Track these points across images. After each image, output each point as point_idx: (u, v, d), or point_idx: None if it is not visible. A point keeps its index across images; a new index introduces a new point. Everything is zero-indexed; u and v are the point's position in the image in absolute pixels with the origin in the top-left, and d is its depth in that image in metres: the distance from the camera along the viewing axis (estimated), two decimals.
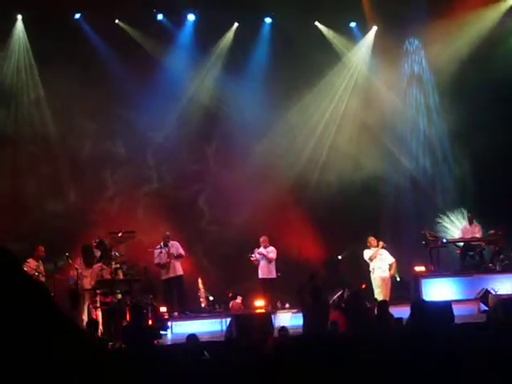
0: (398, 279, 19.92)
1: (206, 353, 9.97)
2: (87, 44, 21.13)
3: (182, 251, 19.62)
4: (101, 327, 15.95)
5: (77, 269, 17.06)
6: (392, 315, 14.07)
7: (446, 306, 14.72)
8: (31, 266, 16.95)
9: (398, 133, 23.37)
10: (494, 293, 18.12)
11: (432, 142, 23.55)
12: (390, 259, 19.20)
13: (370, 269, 19.13)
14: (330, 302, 16.87)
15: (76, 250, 18.17)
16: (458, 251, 20.81)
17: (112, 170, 21.87)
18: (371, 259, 19.10)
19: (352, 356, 6.61)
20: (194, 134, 22.27)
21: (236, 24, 22.62)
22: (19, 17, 21.20)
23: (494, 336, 8.54)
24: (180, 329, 17.93)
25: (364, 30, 23.39)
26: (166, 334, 17.42)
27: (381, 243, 19.30)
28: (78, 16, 21.34)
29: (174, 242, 19.68)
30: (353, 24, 23.36)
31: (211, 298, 20.11)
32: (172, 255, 19.40)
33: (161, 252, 19.39)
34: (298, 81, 22.13)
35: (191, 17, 22.31)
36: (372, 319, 14.55)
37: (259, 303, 19.10)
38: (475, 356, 6.52)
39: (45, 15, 20.37)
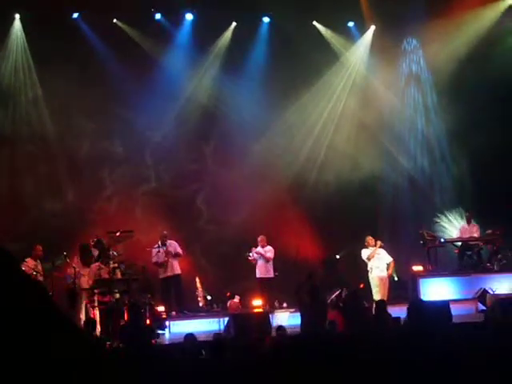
0: (396, 279, 19.92)
1: (203, 352, 9.96)
2: (85, 43, 21.14)
3: (179, 250, 19.63)
4: (98, 326, 15.94)
5: (74, 268, 17.08)
6: (390, 315, 14.07)
7: (444, 306, 14.76)
8: (29, 265, 16.93)
9: (395, 132, 23.37)
10: (491, 292, 18.13)
11: (430, 141, 23.55)
12: (388, 259, 19.19)
13: (368, 268, 19.12)
14: (328, 301, 16.88)
15: (74, 249, 18.18)
16: (456, 251, 20.82)
17: (110, 169, 21.86)
18: (369, 259, 19.09)
19: (350, 356, 6.60)
20: (192, 133, 22.28)
21: (234, 23, 22.62)
22: (17, 16, 21.19)
23: (491, 335, 8.54)
24: (178, 328, 17.93)
25: (362, 30, 23.40)
26: (163, 334, 17.42)
27: (379, 243, 19.28)
28: (75, 15, 21.35)
29: (172, 242, 19.69)
30: (351, 23, 23.38)
31: (209, 298, 20.11)
32: (170, 254, 19.40)
33: (159, 251, 19.38)
34: (296, 80, 22.14)
35: (189, 16, 22.31)
36: (370, 319, 14.56)
37: (257, 303, 19.10)
38: (473, 356, 6.52)
39: (43, 15, 20.37)
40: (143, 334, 14.05)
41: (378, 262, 19.08)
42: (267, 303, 19.28)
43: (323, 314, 15.03)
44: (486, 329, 10.87)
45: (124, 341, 13.73)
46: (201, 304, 19.99)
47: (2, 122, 21.15)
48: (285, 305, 19.43)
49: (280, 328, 13.43)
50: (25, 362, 4.71)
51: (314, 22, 22.90)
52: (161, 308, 18.40)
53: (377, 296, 18.37)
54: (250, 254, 19.87)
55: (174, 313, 19.12)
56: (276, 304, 19.56)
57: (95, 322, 15.84)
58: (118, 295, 16.48)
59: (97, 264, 17.16)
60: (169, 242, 19.59)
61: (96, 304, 16.44)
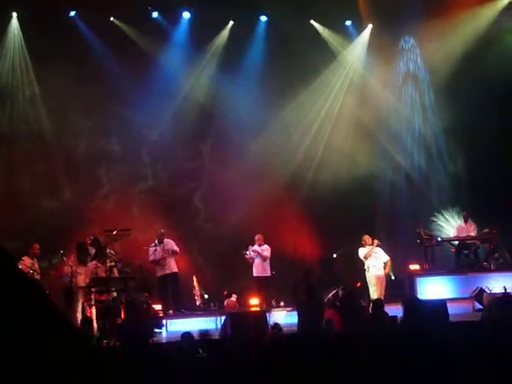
0: (393, 277, 19.91)
1: (200, 351, 9.96)
2: (82, 42, 21.13)
3: (176, 248, 19.63)
4: (95, 325, 15.94)
5: (71, 266, 17.07)
6: (387, 314, 14.09)
7: (441, 305, 14.77)
8: (26, 263, 16.92)
9: (393, 131, 23.40)
10: (488, 291, 18.13)
11: (427, 139, 23.58)
12: (385, 257, 19.19)
13: (365, 267, 19.11)
14: (325, 300, 16.88)
15: (71, 247, 18.18)
16: (453, 250, 20.83)
17: (107, 167, 21.85)
18: (366, 257, 19.08)
19: (347, 354, 6.61)
20: (190, 131, 22.28)
21: (231, 22, 22.62)
22: (14, 14, 21.17)
23: (488, 334, 8.54)
24: (175, 327, 17.91)
25: (359, 28, 23.42)
26: (160, 332, 17.40)
27: (376, 241, 19.27)
28: (73, 14, 21.34)
29: (168, 240, 19.69)
30: (348, 22, 23.39)
31: (206, 296, 20.10)
32: (167, 251, 19.40)
33: (155, 250, 19.38)
34: (293, 79, 22.15)
35: (186, 15, 22.31)
36: (367, 317, 14.58)
37: (254, 301, 19.08)
38: (470, 354, 6.52)
39: (40, 13, 20.37)
40: (140, 333, 14.05)
41: (375, 261, 19.07)
42: (264, 302, 19.27)
43: (320, 313, 15.04)
44: (482, 328, 10.86)
45: (121, 339, 13.73)
46: (198, 303, 19.99)
47: (0, 120, 21.14)
48: (282, 304, 19.43)
49: (275, 325, 13.47)
50: (22, 361, 4.70)
51: (312, 21, 22.90)
52: (158, 306, 18.39)
53: (374, 295, 18.38)
54: (247, 252, 19.87)
55: (171, 311, 19.11)
56: (273, 303, 19.57)
57: (92, 320, 15.86)
58: (114, 294, 16.48)
59: (94, 262, 17.15)
60: (165, 240, 19.60)
61: (93, 302, 16.42)
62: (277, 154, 22.64)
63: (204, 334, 12.25)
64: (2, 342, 4.71)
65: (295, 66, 22.02)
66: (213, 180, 22.33)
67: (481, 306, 17.85)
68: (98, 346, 12.48)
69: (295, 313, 16.28)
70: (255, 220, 21.15)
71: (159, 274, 19.52)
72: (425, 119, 23.66)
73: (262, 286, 19.78)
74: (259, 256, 19.86)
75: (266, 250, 19.93)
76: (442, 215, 21.99)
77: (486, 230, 20.61)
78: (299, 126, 22.98)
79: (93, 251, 17.81)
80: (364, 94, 23.19)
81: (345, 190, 21.65)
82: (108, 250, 17.50)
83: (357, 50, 23.51)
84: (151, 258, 19.44)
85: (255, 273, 19.95)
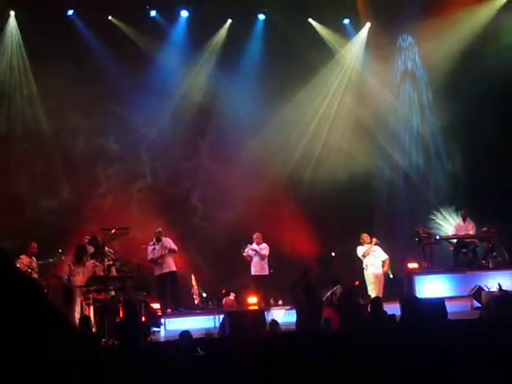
0: (391, 276, 19.93)
1: (199, 349, 9.96)
2: (80, 41, 21.10)
3: (174, 246, 19.62)
4: (93, 324, 15.93)
5: (69, 265, 17.06)
6: (385, 312, 14.09)
7: (439, 303, 14.76)
8: (24, 262, 16.93)
9: (391, 129, 23.42)
10: (486, 290, 18.15)
11: (425, 138, 23.60)
12: (384, 256, 19.19)
13: (364, 265, 19.11)
14: (324, 298, 16.87)
15: (69, 246, 18.13)
16: (452, 248, 20.84)
17: (105, 166, 21.83)
18: (364, 256, 19.08)
19: (345, 353, 6.62)
20: (188, 130, 22.27)
21: (229, 20, 22.61)
22: (12, 13, 21.14)
23: (486, 333, 8.55)
24: (173, 325, 17.89)
25: (357, 27, 23.43)
26: (159, 331, 17.41)
27: (374, 240, 19.28)
28: (71, 12, 21.30)
29: (167, 238, 19.68)
30: (346, 21, 23.41)
31: (204, 295, 20.11)
32: (165, 249, 19.39)
33: (154, 248, 19.39)
34: (291, 77, 22.12)
35: (184, 13, 22.31)
36: (365, 316, 14.56)
37: (252, 300, 19.07)
38: (468, 352, 6.53)
39: (38, 12, 20.33)
40: (138, 332, 14.05)
41: (374, 259, 19.07)
42: (262, 300, 19.26)
43: (318, 312, 15.01)
44: (481, 326, 10.88)
45: (119, 338, 13.72)
46: (196, 301, 19.99)
47: None
48: (280, 302, 19.45)
49: (273, 322, 13.47)
50: (20, 360, 4.70)
51: (310, 19, 22.91)
52: (156, 305, 18.38)
53: (372, 293, 18.38)
54: (246, 250, 19.87)
55: (169, 310, 19.10)
56: (271, 301, 19.58)
57: (90, 319, 15.85)
58: (113, 292, 16.44)
59: (92, 261, 17.13)
60: (163, 239, 19.60)
61: (91, 301, 16.40)
62: (275, 152, 22.63)
63: (209, 334, 12.31)
64: (1, 341, 4.72)
65: (293, 64, 22.01)
66: (211, 178, 22.34)
67: (479, 304, 17.84)
68: (96, 344, 12.47)
69: (294, 311, 16.26)
70: (253, 218, 21.12)
71: (157, 272, 19.51)
72: (423, 118, 23.68)
73: (261, 284, 19.76)
74: (257, 254, 19.85)
75: (264, 248, 19.92)
76: (441, 213, 22.00)
77: (485, 229, 20.61)
78: (297, 125, 22.97)
79: (91, 250, 17.80)
80: (362, 93, 23.20)
81: (343, 189, 21.66)
82: (106, 249, 17.50)
83: (355, 48, 23.53)
84: (150, 256, 19.44)
85: (253, 271, 19.94)
